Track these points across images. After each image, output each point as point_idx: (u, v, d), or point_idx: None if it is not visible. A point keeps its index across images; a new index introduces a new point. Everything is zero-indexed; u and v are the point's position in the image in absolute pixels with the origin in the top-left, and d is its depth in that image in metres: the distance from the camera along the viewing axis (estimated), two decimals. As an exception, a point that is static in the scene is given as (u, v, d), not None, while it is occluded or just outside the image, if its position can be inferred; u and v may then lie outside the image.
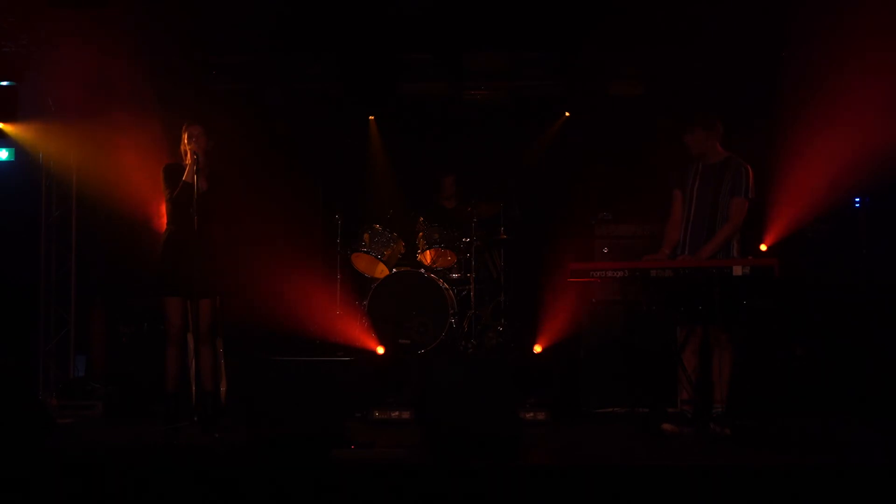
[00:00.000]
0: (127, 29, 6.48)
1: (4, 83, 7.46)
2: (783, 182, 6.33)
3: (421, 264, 7.32)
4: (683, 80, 7.08)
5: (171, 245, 5.38)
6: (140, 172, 6.39)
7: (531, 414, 5.77)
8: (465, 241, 7.29)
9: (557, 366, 6.50)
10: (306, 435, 4.89)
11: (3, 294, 7.59)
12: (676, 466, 4.40)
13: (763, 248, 6.17)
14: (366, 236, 7.27)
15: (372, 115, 8.31)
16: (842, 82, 6.05)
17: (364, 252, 7.26)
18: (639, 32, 6.71)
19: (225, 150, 5.71)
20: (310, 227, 7.87)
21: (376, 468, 4.43)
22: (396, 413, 5.84)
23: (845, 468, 4.32)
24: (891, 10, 5.78)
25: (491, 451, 4.59)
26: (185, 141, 5.39)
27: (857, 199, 6.80)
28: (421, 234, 7.36)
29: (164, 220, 5.52)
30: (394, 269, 7.23)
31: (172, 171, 5.43)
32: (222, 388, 5.58)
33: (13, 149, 7.87)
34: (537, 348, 6.80)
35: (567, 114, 8.13)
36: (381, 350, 6.84)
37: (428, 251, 7.35)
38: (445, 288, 7.09)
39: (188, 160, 5.36)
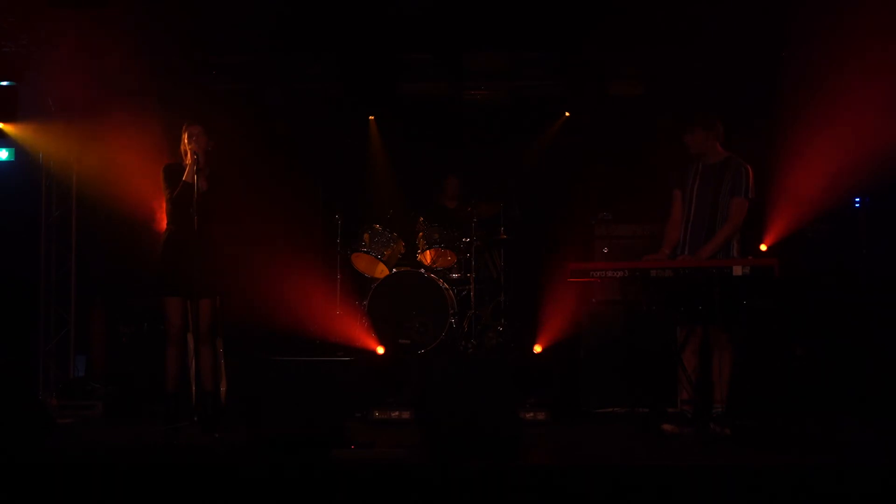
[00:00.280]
0: (127, 29, 6.48)
1: (4, 83, 7.46)
2: (783, 182, 6.33)
3: (421, 264, 7.32)
4: (683, 80, 7.08)
5: (171, 245, 5.38)
6: (140, 172, 6.38)
7: (531, 414, 5.77)
8: (465, 241, 7.28)
9: (557, 366, 6.50)
10: (306, 435, 4.89)
11: (3, 294, 7.60)
12: (676, 466, 4.40)
13: (763, 248, 6.17)
14: (366, 236, 7.27)
15: (372, 115, 8.30)
16: (842, 82, 6.04)
17: (364, 252, 7.26)
18: (639, 32, 6.71)
19: (225, 150, 5.70)
20: (310, 227, 7.86)
21: (376, 468, 4.43)
22: (396, 413, 5.85)
23: (845, 468, 4.32)
24: (891, 10, 5.78)
25: (491, 451, 4.58)
26: (185, 141, 5.39)
27: (857, 199, 6.81)
28: (421, 234, 7.36)
29: (164, 220, 5.52)
30: (394, 269, 7.23)
31: (172, 171, 5.43)
32: (222, 388, 5.58)
33: (13, 149, 7.88)
34: (537, 348, 6.80)
35: (567, 114, 8.12)
36: (381, 350, 6.84)
37: (428, 251, 7.35)
38: (445, 288, 7.09)
39: (188, 160, 5.36)
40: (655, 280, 5.23)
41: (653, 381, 5.74)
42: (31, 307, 7.41)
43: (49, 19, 6.58)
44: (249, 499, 4.27)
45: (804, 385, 6.05)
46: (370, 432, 5.46)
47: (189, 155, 5.36)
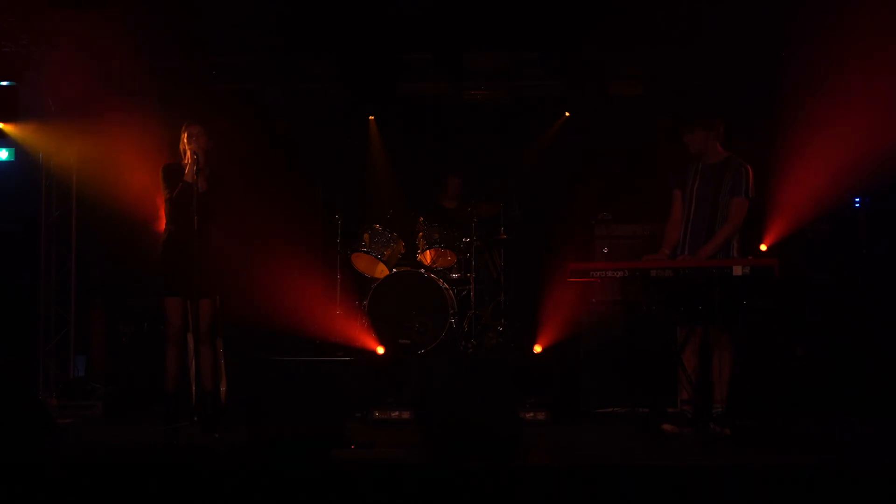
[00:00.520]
0: (127, 29, 6.47)
1: (4, 83, 7.46)
2: (783, 182, 6.33)
3: (421, 264, 7.32)
4: (683, 80, 7.08)
5: (171, 245, 5.38)
6: (140, 172, 6.37)
7: (531, 414, 5.77)
8: (465, 241, 7.29)
9: (557, 366, 6.50)
10: (306, 435, 4.90)
11: (3, 294, 7.59)
12: (676, 466, 4.40)
13: (763, 248, 6.16)
14: (366, 236, 7.27)
15: (372, 115, 8.30)
16: (842, 82, 6.04)
17: (364, 252, 7.26)
18: (639, 32, 6.71)
19: (225, 150, 5.70)
20: (310, 227, 7.86)
21: (376, 468, 4.43)
22: (396, 413, 5.85)
23: (845, 468, 4.32)
24: (891, 10, 5.78)
25: (491, 451, 4.59)
26: (185, 140, 5.39)
27: (857, 199, 6.81)
28: (421, 234, 7.36)
29: (163, 220, 5.52)
30: (394, 269, 7.23)
31: (171, 171, 5.43)
32: (222, 388, 5.58)
33: (13, 149, 7.88)
34: (537, 348, 6.80)
35: (567, 114, 8.12)
36: (381, 350, 6.84)
37: (428, 251, 7.35)
38: (445, 288, 7.09)
39: (187, 159, 5.36)
40: (655, 280, 5.23)
41: (653, 381, 5.74)
42: (31, 307, 7.41)
43: (49, 19, 6.57)
44: (249, 499, 4.27)
45: (804, 385, 6.06)
46: (370, 432, 5.46)
47: (189, 154, 5.36)
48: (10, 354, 7.33)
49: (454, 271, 7.38)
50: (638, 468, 4.40)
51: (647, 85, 7.53)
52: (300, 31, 6.96)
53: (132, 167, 6.54)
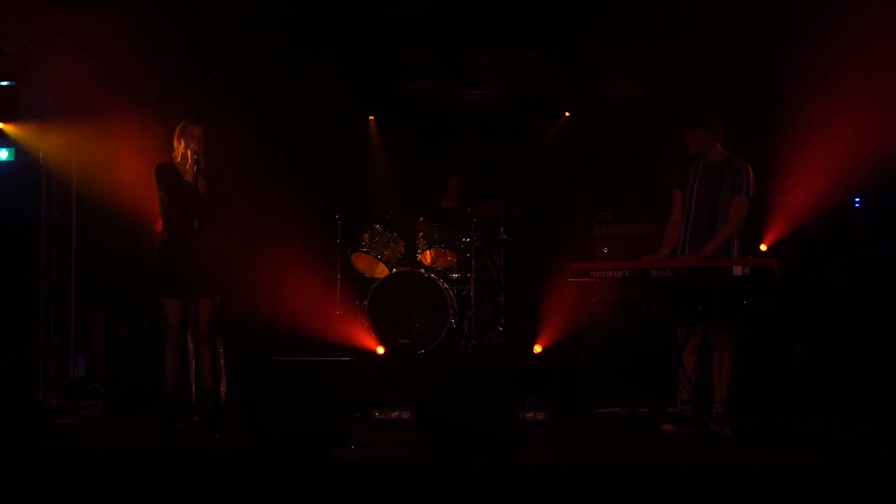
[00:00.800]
0: (127, 29, 6.47)
1: (4, 83, 7.47)
2: (783, 182, 6.33)
3: (421, 264, 7.32)
4: (683, 80, 7.07)
5: (171, 245, 5.36)
6: (140, 172, 6.36)
7: (531, 414, 5.77)
8: (465, 241, 7.28)
9: (557, 366, 6.50)
10: (306, 435, 4.90)
11: (3, 294, 7.60)
12: (676, 466, 4.40)
13: (763, 248, 6.16)
14: (366, 236, 7.27)
15: (372, 115, 8.30)
16: (842, 82, 6.05)
17: (364, 252, 7.26)
18: (639, 32, 6.71)
19: (225, 150, 5.70)
20: (310, 227, 7.86)
21: (376, 468, 4.43)
22: (396, 413, 5.84)
23: (845, 468, 4.32)
24: (891, 10, 5.78)
25: (491, 451, 4.59)
26: (185, 141, 5.37)
27: (857, 199, 6.81)
28: (421, 234, 7.36)
29: (160, 220, 5.50)
30: (394, 269, 7.23)
31: (165, 171, 5.41)
32: (222, 388, 5.57)
33: (13, 149, 7.88)
34: (537, 348, 6.79)
35: (567, 114, 8.12)
36: (381, 350, 6.84)
37: (428, 251, 7.35)
38: (445, 288, 7.09)
39: (179, 158, 5.36)
40: (655, 280, 5.23)
41: (653, 381, 5.74)
42: (31, 307, 7.42)
43: (49, 19, 6.58)
44: (249, 499, 4.27)
45: (804, 385, 6.06)
46: (370, 432, 5.46)
47: (183, 154, 5.35)
48: (10, 354, 7.34)
49: (454, 271, 7.38)
50: (638, 468, 4.40)
51: (647, 85, 7.53)
52: (300, 31, 6.97)
53: (132, 167, 6.54)
